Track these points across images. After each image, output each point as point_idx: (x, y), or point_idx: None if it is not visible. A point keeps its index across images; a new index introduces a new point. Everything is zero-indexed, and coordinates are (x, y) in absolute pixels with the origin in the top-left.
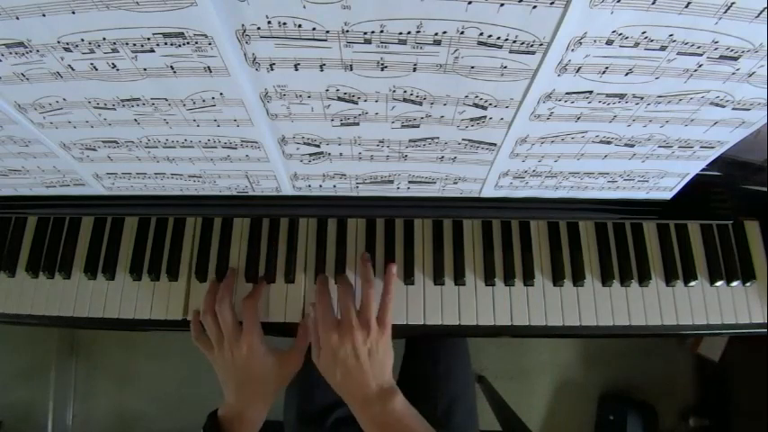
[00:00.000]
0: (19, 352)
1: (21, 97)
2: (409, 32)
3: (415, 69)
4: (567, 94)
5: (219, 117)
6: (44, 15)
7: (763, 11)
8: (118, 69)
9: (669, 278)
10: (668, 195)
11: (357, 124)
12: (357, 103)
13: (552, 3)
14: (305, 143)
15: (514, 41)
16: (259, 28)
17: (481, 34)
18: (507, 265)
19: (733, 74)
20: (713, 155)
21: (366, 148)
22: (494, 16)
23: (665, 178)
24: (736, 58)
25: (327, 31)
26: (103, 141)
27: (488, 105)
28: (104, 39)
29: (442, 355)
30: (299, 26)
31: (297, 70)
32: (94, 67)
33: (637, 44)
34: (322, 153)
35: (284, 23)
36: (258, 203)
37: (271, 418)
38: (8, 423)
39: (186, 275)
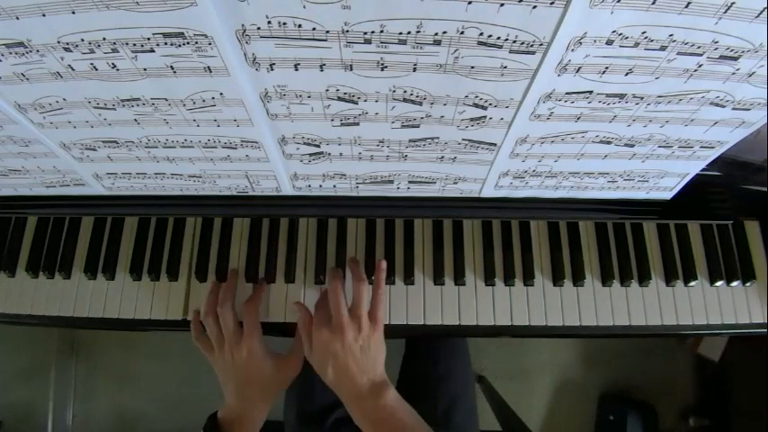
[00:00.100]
0: (19, 352)
1: (21, 97)
2: (409, 32)
3: (415, 69)
4: (567, 94)
5: (219, 117)
6: (44, 15)
7: (763, 11)
8: (118, 69)
9: (669, 278)
10: (668, 195)
11: (357, 124)
12: (357, 103)
13: (552, 3)
14: (305, 143)
15: (514, 41)
16: (259, 28)
17: (481, 34)
18: (507, 265)
19: (733, 74)
20: (713, 155)
21: (366, 148)
22: (494, 16)
23: (665, 178)
24: (736, 58)
25: (327, 31)
26: (103, 141)
27: (488, 105)
28: (104, 39)
29: (442, 355)
30: (299, 26)
31: (297, 70)
32: (94, 67)
33: (637, 44)
34: (322, 153)
35: (284, 23)
36: (258, 203)
37: (271, 418)
38: (8, 423)
39: (186, 275)
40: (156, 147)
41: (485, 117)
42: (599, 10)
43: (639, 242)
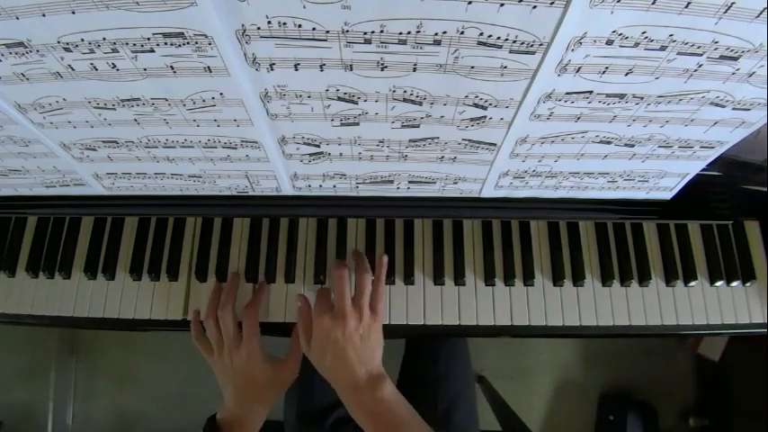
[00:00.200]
0: (19, 352)
1: (21, 97)
2: (409, 32)
3: (415, 69)
4: (567, 94)
5: (219, 117)
6: (44, 15)
7: (763, 11)
8: (118, 69)
9: (669, 278)
10: (668, 195)
11: (357, 124)
12: (357, 103)
13: (552, 3)
14: (305, 143)
15: (514, 41)
16: (259, 28)
17: (481, 34)
18: (507, 265)
19: (733, 74)
20: (713, 155)
21: (366, 148)
22: (494, 16)
23: (664, 178)
24: (736, 58)
25: (327, 31)
26: (103, 141)
27: (488, 105)
28: (104, 39)
29: (442, 355)
30: (299, 26)
31: (297, 70)
32: (94, 67)
33: (637, 44)
34: (322, 153)
35: (284, 23)
36: (258, 203)
37: (271, 418)
38: (8, 423)
39: (186, 275)
40: (156, 147)
41: (485, 117)
42: (599, 10)
43: (639, 242)
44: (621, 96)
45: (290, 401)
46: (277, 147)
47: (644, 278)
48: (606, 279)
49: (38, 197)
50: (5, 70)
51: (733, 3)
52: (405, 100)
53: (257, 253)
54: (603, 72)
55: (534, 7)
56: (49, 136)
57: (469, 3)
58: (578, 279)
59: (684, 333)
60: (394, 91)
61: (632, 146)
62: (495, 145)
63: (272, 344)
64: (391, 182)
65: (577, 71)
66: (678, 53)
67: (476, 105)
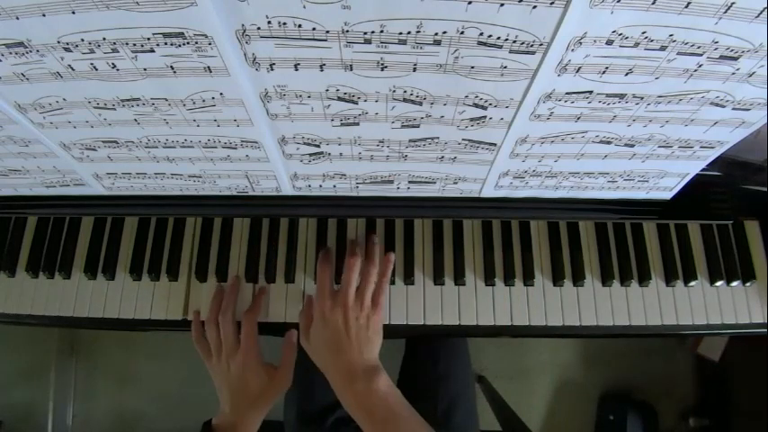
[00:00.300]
0: (19, 352)
1: (21, 97)
2: (409, 32)
3: (415, 69)
4: (566, 94)
5: (219, 117)
6: (44, 15)
7: (763, 11)
8: (118, 69)
9: (669, 278)
10: (668, 195)
11: (357, 124)
12: (357, 103)
13: (552, 3)
14: (305, 143)
15: (514, 41)
16: (259, 28)
17: (481, 34)
18: (507, 265)
19: (733, 74)
20: (713, 155)
21: (366, 148)
22: (494, 16)
23: (664, 178)
24: (736, 58)
25: (327, 31)
26: (103, 141)
27: (488, 105)
28: (104, 39)
29: (442, 355)
30: (299, 26)
31: (297, 70)
32: (94, 67)
33: (637, 44)
34: (322, 153)
35: (284, 23)
36: (258, 203)
37: (271, 418)
38: (8, 423)
39: (186, 275)
40: (156, 147)
41: (485, 117)
42: (599, 10)
43: (639, 242)
44: (621, 96)
45: (290, 401)
46: (277, 147)
47: (644, 278)
48: (606, 279)
49: (38, 197)
50: (5, 70)
51: (733, 3)
52: (405, 100)
53: (257, 253)
54: (603, 72)
55: (534, 7)
56: (48, 136)
57: (469, 3)
58: (578, 279)
59: (684, 333)
60: (394, 91)
61: (632, 146)
62: (495, 145)
63: (272, 344)
64: (391, 182)
65: (577, 71)
66: (678, 53)
67: (476, 105)
